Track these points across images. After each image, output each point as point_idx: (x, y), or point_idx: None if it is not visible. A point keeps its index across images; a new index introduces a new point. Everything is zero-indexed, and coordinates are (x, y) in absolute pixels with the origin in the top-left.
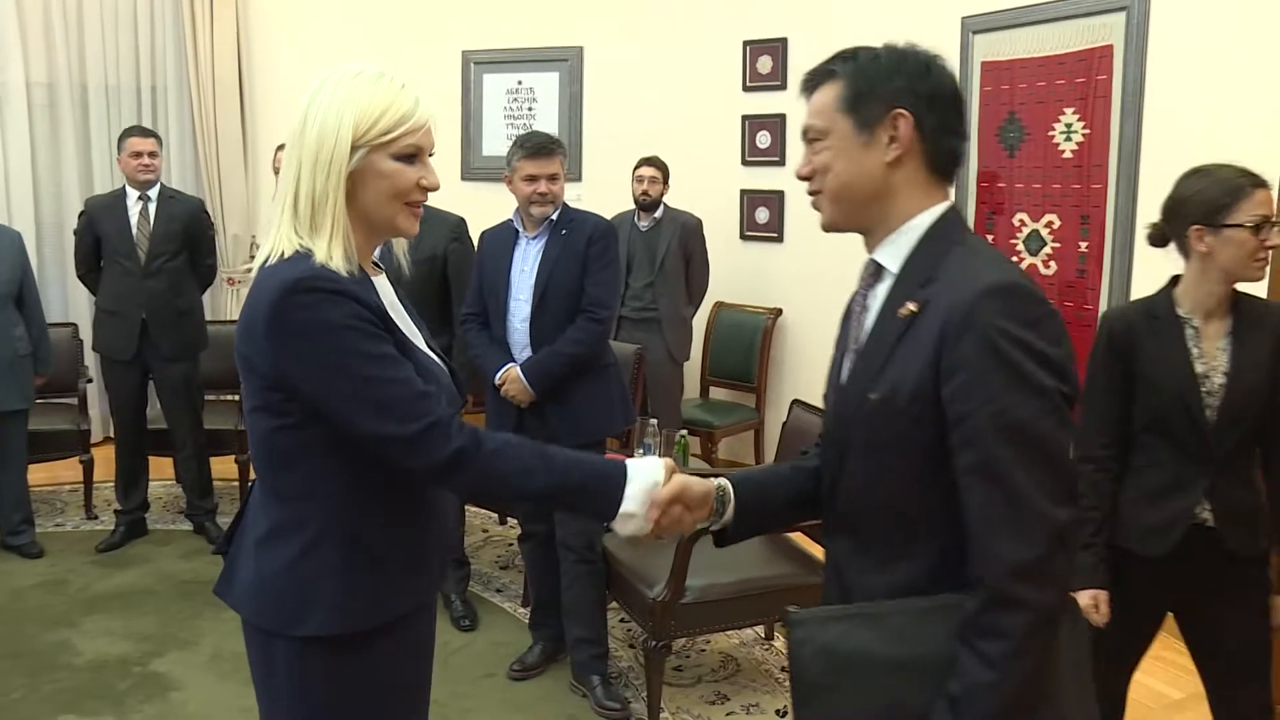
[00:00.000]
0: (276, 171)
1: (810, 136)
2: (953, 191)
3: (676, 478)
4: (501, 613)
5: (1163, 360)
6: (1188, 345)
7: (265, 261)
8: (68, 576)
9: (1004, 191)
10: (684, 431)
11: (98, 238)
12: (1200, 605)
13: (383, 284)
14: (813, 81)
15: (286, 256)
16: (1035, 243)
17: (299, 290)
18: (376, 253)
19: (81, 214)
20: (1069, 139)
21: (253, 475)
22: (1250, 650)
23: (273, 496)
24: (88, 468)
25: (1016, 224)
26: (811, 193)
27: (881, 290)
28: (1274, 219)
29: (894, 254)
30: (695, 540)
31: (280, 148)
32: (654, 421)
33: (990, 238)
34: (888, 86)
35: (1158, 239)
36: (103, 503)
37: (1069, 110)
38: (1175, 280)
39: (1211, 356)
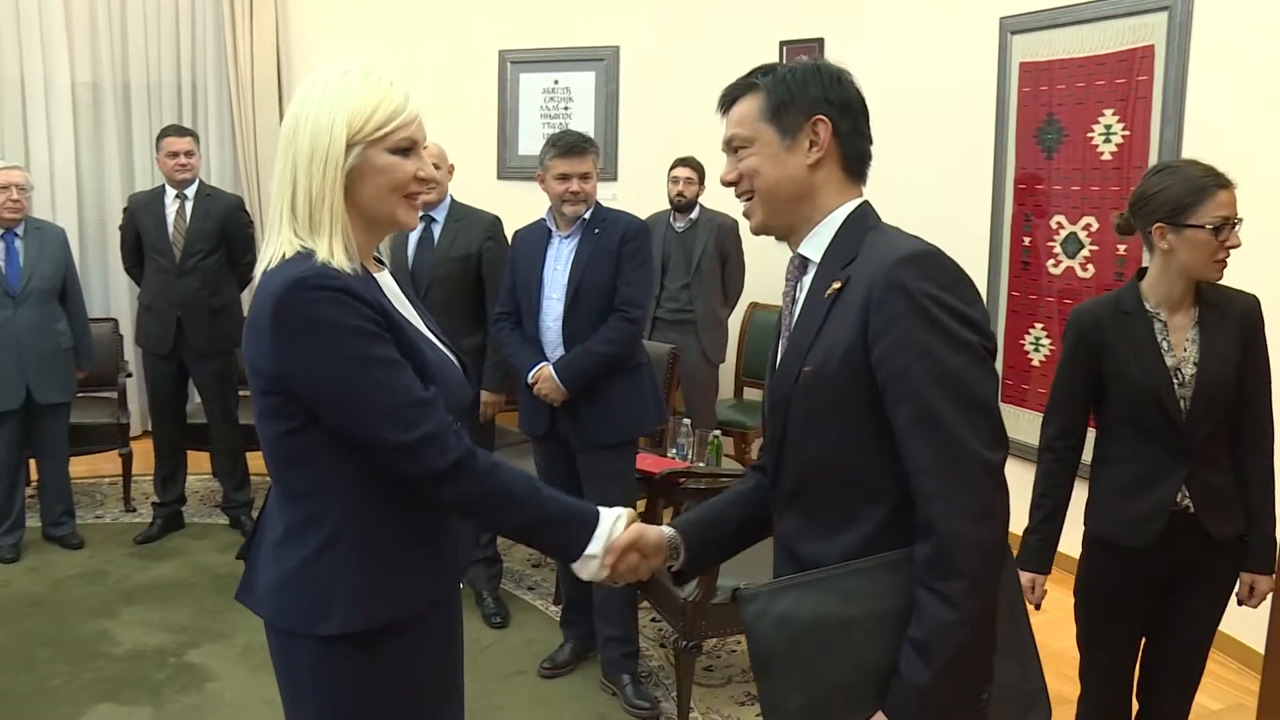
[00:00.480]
0: None
1: (735, 145)
2: (865, 189)
3: (634, 526)
4: (533, 610)
5: (1134, 355)
6: (1158, 339)
7: (268, 265)
8: (107, 567)
9: (1042, 193)
10: (717, 432)
11: (139, 234)
12: (1175, 584)
13: (386, 279)
14: (732, 95)
15: (288, 258)
16: (1073, 245)
17: (301, 288)
18: (385, 243)
19: (125, 210)
20: (1108, 140)
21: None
22: (1196, 632)
23: (285, 498)
24: (127, 461)
25: (1054, 226)
26: (741, 195)
27: (807, 280)
28: (1234, 220)
29: (816, 246)
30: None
31: None
32: (687, 422)
33: (1027, 240)
34: (806, 96)
35: (1125, 229)
36: (141, 495)
37: (1108, 111)
38: (1142, 273)
39: (1180, 349)
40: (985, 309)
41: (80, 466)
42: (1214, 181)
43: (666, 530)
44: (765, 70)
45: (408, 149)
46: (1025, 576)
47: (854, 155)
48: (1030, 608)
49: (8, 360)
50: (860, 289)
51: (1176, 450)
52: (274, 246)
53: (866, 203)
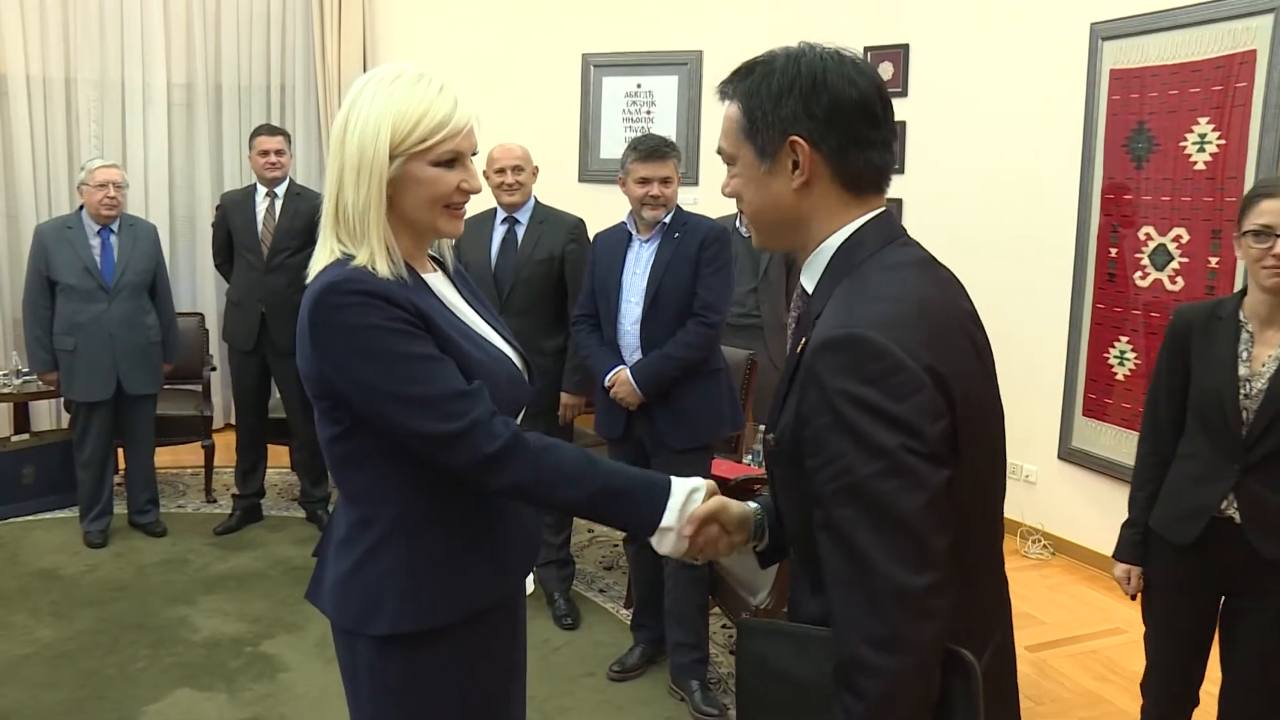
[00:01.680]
0: None
1: (724, 159)
2: (885, 199)
3: (715, 498)
4: (603, 613)
5: (1210, 358)
6: (1238, 348)
7: (314, 273)
8: (188, 556)
9: (1130, 204)
10: None
11: (230, 231)
12: (1230, 603)
13: (437, 280)
14: (720, 95)
15: (328, 264)
16: (1162, 257)
17: (334, 293)
18: (450, 246)
19: (217, 207)
20: (1202, 150)
21: None
22: (1259, 661)
23: (346, 500)
24: (209, 453)
25: (1142, 237)
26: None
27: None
28: (1277, 229)
29: (811, 278)
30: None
31: None
32: (763, 427)
33: (1114, 251)
34: (778, 113)
35: None
36: (221, 487)
37: (1203, 120)
38: None
39: (1259, 361)
40: (930, 401)
41: (164, 457)
42: (1261, 191)
43: (751, 505)
44: (742, 72)
45: (452, 160)
46: (1120, 568)
47: (852, 170)
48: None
49: (101, 352)
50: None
51: (1231, 458)
52: (321, 252)
53: (871, 223)
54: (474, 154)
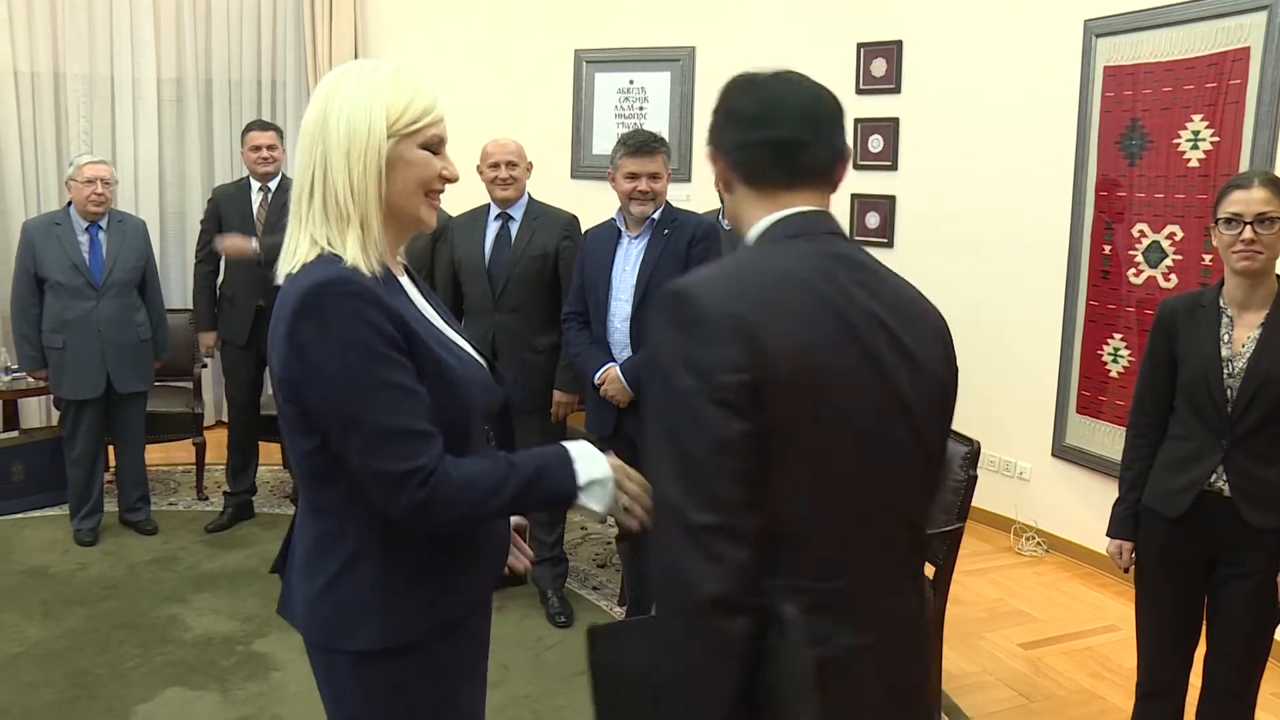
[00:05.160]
0: None
1: None
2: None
3: (610, 456)
4: (597, 610)
5: (1194, 342)
6: (1219, 331)
7: (290, 270)
8: (179, 554)
9: (1123, 201)
10: None
11: (222, 225)
12: (1219, 571)
13: (407, 282)
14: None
15: (310, 262)
16: (1155, 254)
17: (326, 295)
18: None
19: (210, 200)
20: (1195, 147)
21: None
22: (1243, 623)
23: (314, 513)
24: (200, 450)
25: (1136, 235)
26: None
27: None
28: (1245, 217)
29: None
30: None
31: None
32: None
33: (1107, 248)
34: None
35: None
36: (213, 484)
37: (1197, 117)
38: None
39: (1239, 343)
40: (729, 351)
41: (155, 454)
42: (1233, 183)
43: None
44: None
45: (436, 146)
46: (1112, 544)
47: (745, 164)
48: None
49: (90, 350)
50: None
51: (1219, 434)
52: (294, 249)
53: (788, 218)
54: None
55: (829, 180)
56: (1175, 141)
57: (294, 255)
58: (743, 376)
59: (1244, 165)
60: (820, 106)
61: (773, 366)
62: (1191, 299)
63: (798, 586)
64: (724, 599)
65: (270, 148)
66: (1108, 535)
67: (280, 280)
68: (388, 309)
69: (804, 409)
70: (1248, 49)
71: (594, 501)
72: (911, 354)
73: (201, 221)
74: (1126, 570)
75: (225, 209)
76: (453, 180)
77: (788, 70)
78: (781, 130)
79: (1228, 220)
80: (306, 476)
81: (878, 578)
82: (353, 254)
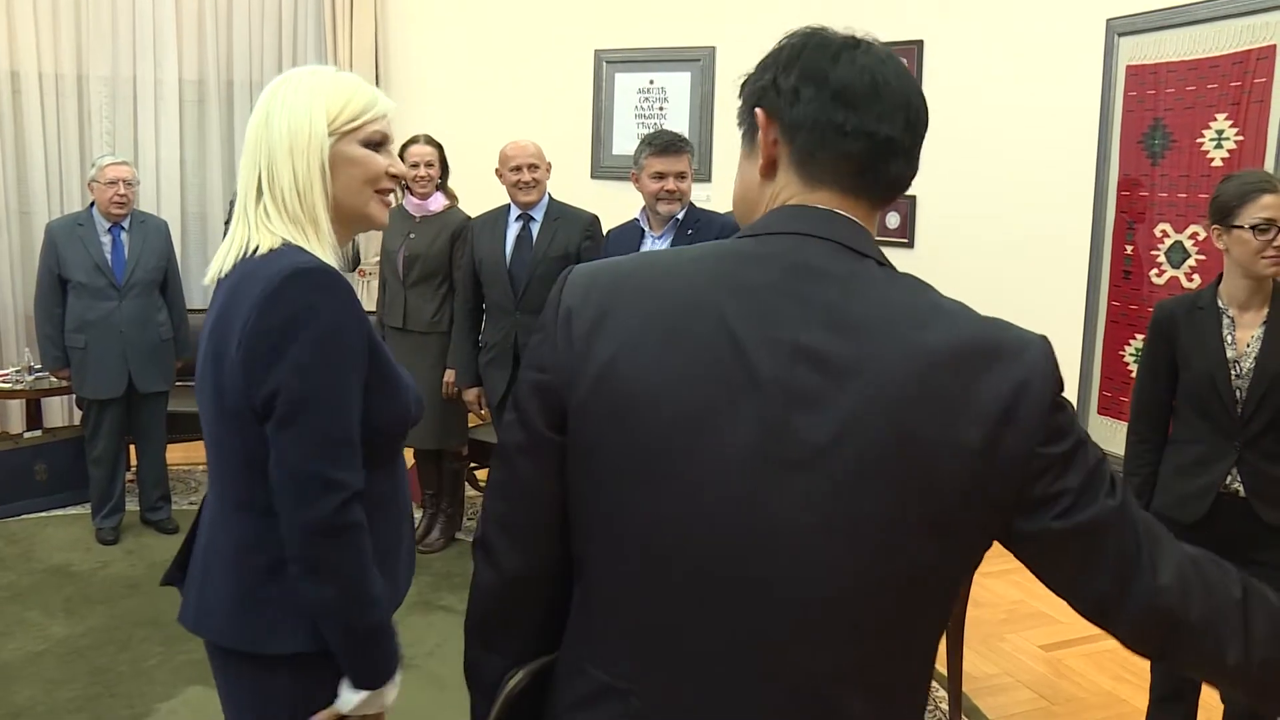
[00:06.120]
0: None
1: None
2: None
3: None
4: None
5: (1197, 345)
6: (1223, 333)
7: (245, 255)
8: None
9: (1145, 201)
10: None
11: None
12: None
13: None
14: None
15: (275, 249)
16: (1178, 255)
17: (313, 278)
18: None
19: (231, 203)
20: (1219, 146)
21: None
22: None
23: (241, 510)
24: None
25: (1158, 235)
26: None
27: None
28: (1278, 221)
29: None
30: None
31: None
32: None
33: (1129, 248)
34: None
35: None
36: None
37: (1220, 116)
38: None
39: (1244, 343)
40: (543, 347)
41: (176, 454)
42: (1256, 186)
43: None
44: None
45: (379, 143)
46: None
47: (817, 154)
48: None
49: (112, 350)
50: None
51: (1230, 435)
52: (248, 237)
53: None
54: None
55: (891, 198)
56: (1199, 141)
57: (240, 251)
58: (545, 377)
59: (1270, 164)
60: (923, 106)
61: (585, 375)
62: (1189, 300)
63: (581, 662)
64: (474, 629)
65: None
66: None
67: (219, 274)
68: (361, 307)
69: (608, 441)
70: (1274, 46)
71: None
72: (848, 407)
73: (226, 223)
74: None
75: None
76: (401, 176)
77: (872, 39)
78: (883, 125)
79: (1258, 226)
80: (239, 469)
81: (682, 668)
82: (315, 250)
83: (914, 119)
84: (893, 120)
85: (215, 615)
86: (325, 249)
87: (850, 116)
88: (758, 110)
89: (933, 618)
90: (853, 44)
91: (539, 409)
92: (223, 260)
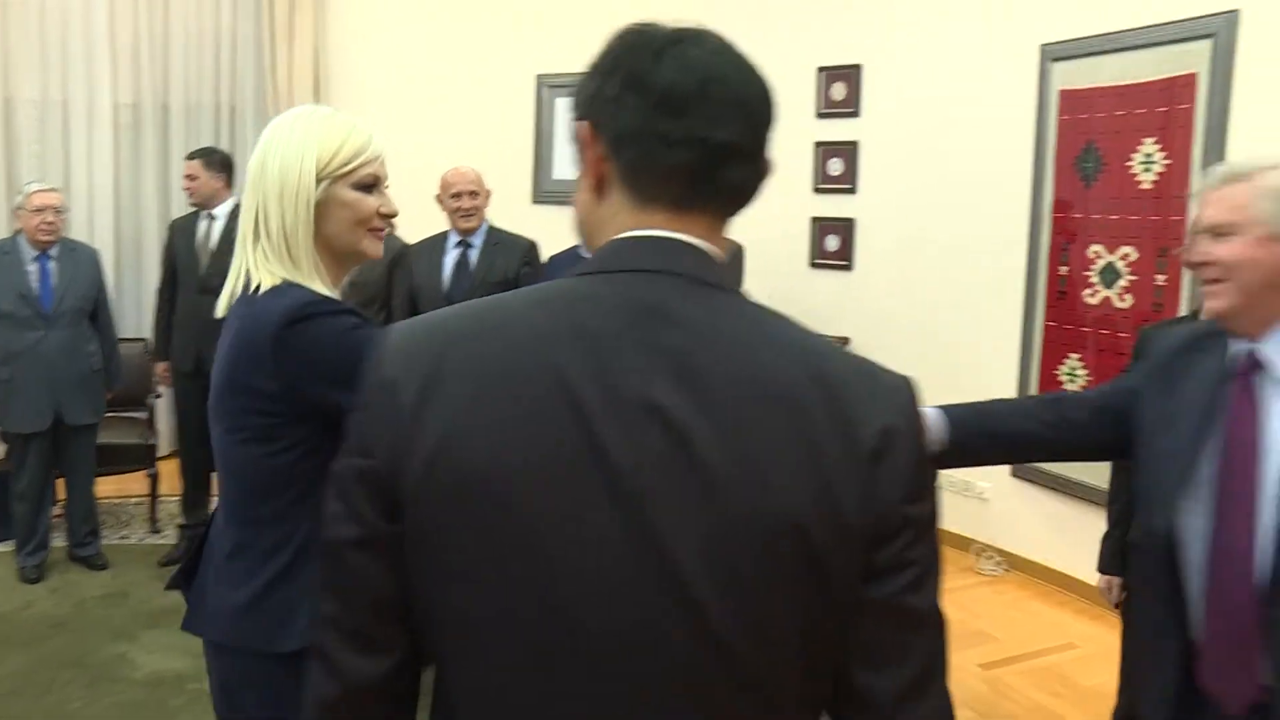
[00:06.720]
0: None
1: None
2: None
3: None
4: None
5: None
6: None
7: (244, 289)
8: (130, 589)
9: (1079, 222)
10: None
11: (175, 256)
12: None
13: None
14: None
15: (275, 286)
16: (1110, 275)
17: (323, 307)
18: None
19: (169, 229)
20: (1148, 170)
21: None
22: None
23: (251, 525)
24: (153, 481)
25: (1091, 255)
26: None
27: None
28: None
29: None
30: None
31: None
32: None
33: (1064, 269)
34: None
35: None
36: (167, 517)
37: (1149, 140)
38: None
39: None
40: (364, 422)
41: (107, 486)
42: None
43: None
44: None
45: (371, 185)
46: (1102, 579)
47: (647, 167)
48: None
49: (38, 381)
50: None
51: None
52: (250, 272)
53: (620, 242)
54: (386, 185)
55: (738, 207)
56: (1128, 164)
57: (246, 277)
58: (369, 463)
59: (1194, 187)
60: (766, 101)
61: (416, 457)
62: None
63: None
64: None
65: (190, 178)
66: (1098, 570)
67: (227, 310)
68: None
69: (451, 529)
70: (1194, 75)
71: None
72: (708, 466)
73: (164, 249)
74: (1116, 605)
75: (178, 240)
76: (392, 216)
77: (704, 30)
78: (717, 130)
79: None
80: (253, 488)
81: None
82: (314, 287)
83: (755, 117)
84: (727, 122)
85: (225, 617)
86: (318, 285)
87: (676, 124)
88: (580, 124)
89: (813, 670)
90: (677, 38)
91: (367, 498)
92: (238, 284)
